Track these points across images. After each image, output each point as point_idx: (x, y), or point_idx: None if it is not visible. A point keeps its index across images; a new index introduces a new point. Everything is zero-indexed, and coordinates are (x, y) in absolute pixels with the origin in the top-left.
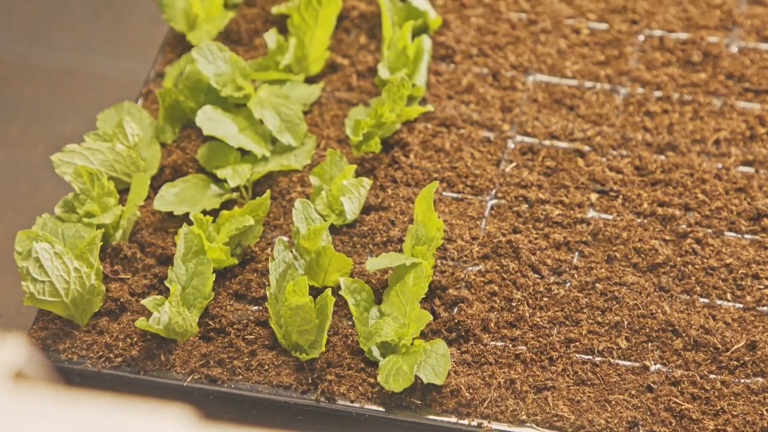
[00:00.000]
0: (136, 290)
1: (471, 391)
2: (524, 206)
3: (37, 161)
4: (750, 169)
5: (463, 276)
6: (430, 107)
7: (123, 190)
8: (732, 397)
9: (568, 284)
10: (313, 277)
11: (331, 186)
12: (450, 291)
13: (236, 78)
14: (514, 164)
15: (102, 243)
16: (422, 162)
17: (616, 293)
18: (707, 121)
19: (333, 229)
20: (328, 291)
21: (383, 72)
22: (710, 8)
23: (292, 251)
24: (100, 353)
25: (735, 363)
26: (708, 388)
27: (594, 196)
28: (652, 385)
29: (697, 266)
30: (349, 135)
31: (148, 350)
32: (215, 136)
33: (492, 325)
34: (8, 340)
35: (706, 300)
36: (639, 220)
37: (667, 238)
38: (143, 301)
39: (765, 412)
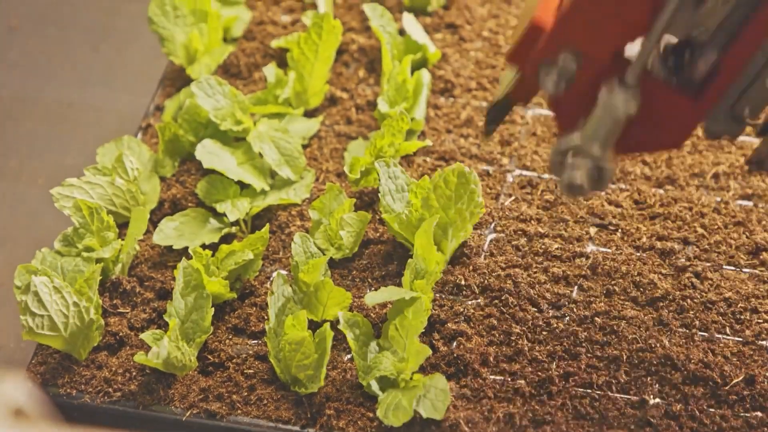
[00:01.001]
0: (135, 324)
1: (470, 425)
2: (523, 240)
3: (36, 195)
4: (749, 203)
5: (462, 310)
6: (428, 141)
7: (122, 224)
8: None
9: (567, 318)
10: (312, 311)
11: (330, 220)
12: (449, 325)
13: (235, 112)
14: (513, 198)
15: (101, 277)
16: None
17: (615, 327)
18: (706, 155)
19: (332, 263)
20: (327, 325)
21: (383, 106)
22: None
23: (291, 285)
24: (99, 388)
25: (734, 397)
26: (707, 422)
27: (593, 230)
28: (651, 419)
29: (696, 300)
30: (347, 172)
31: (147, 385)
32: (215, 169)
33: (491, 359)
34: (7, 374)
35: (705, 334)
36: (638, 254)
37: (666, 272)
38: (142, 336)
39: None
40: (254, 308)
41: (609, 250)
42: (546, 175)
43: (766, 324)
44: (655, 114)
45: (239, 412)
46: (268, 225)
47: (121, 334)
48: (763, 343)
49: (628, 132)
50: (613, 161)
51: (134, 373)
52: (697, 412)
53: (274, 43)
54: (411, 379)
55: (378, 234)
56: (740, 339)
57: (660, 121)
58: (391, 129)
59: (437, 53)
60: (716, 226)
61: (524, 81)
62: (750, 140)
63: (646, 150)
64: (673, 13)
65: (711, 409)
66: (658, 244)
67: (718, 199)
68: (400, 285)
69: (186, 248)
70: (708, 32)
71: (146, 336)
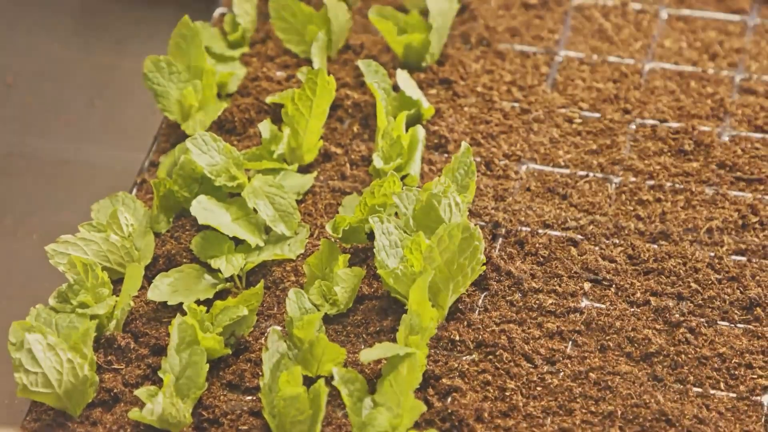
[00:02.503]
0: (130, 381)
1: None
2: (517, 295)
3: (31, 251)
4: (742, 258)
5: (456, 365)
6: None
7: (117, 280)
8: None
9: (562, 373)
10: (306, 366)
11: (324, 275)
12: (444, 380)
13: (230, 168)
14: (507, 253)
15: (96, 333)
16: None
17: (609, 382)
18: (700, 210)
19: (326, 319)
20: (322, 381)
21: (377, 161)
22: (702, 97)
23: (285, 341)
24: None
25: None
26: None
27: (587, 285)
28: None
29: (690, 356)
30: (329, 231)
31: None
32: (209, 225)
33: (485, 415)
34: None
35: (700, 389)
36: (632, 310)
37: (660, 327)
38: (137, 392)
39: None
40: (249, 364)
41: (603, 306)
42: (541, 230)
43: (760, 379)
44: None
45: None
46: (262, 281)
47: (115, 390)
48: (758, 398)
49: None
50: None
51: (129, 430)
52: None
53: (269, 99)
54: None
55: (373, 289)
56: (735, 395)
57: None
58: (383, 190)
59: (431, 109)
60: (710, 282)
61: None
62: (743, 195)
63: None
64: None
65: None
66: (653, 300)
67: (712, 254)
68: (394, 341)
69: (181, 304)
70: None
71: (141, 392)
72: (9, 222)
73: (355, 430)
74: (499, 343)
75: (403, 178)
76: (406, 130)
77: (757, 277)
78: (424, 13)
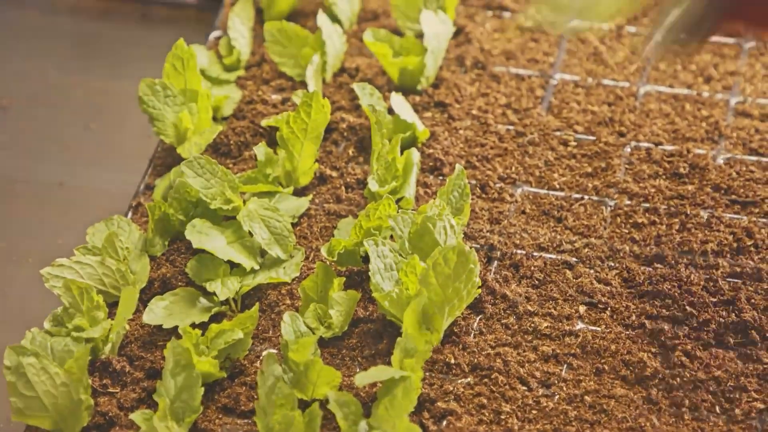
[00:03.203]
0: (125, 404)
1: None
2: (513, 318)
3: (26, 275)
4: (737, 281)
5: (452, 389)
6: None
7: (112, 304)
8: None
9: (557, 397)
10: (301, 390)
11: (319, 299)
12: (439, 404)
13: (225, 191)
14: (502, 276)
15: (91, 357)
16: None
17: (604, 406)
18: (695, 233)
19: (322, 342)
20: (317, 405)
21: (372, 185)
22: (697, 120)
23: (281, 364)
24: None
25: None
26: None
27: (582, 309)
28: None
29: (685, 379)
30: (325, 254)
31: None
32: (204, 249)
33: None
34: None
35: (695, 413)
36: (627, 333)
37: (656, 350)
38: (132, 416)
39: None
40: (244, 387)
41: (598, 329)
42: (536, 253)
43: (755, 403)
44: None
45: None
46: (257, 304)
47: (110, 414)
48: (753, 422)
49: None
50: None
51: None
52: None
53: (264, 122)
54: None
55: (368, 313)
56: (730, 418)
57: None
58: (378, 213)
59: (426, 132)
60: (705, 305)
61: None
62: (738, 218)
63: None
64: None
65: None
66: (648, 323)
67: (707, 277)
68: (390, 364)
69: (176, 327)
70: None
71: (136, 416)
72: (4, 245)
73: None
74: (495, 366)
75: (398, 200)
76: (401, 153)
77: (752, 300)
78: (419, 36)
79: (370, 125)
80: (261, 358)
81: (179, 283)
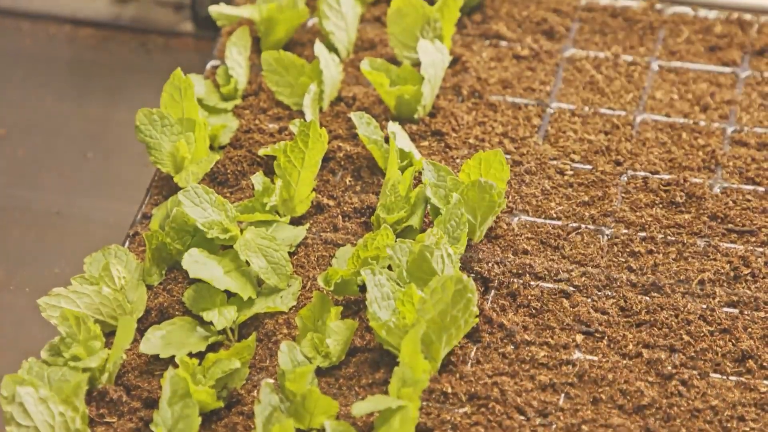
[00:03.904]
0: None
1: None
2: (510, 348)
3: (23, 304)
4: (734, 310)
5: (449, 418)
6: None
7: (109, 333)
8: None
9: (554, 426)
10: (299, 419)
11: (316, 328)
12: None
13: (222, 220)
14: (499, 304)
15: (88, 386)
16: None
17: None
18: (691, 261)
19: (319, 372)
20: None
21: (382, 211)
22: (693, 149)
23: (278, 394)
24: None
25: None
26: None
27: (579, 338)
28: None
29: (682, 408)
30: (321, 284)
31: None
32: (201, 278)
33: None
34: None
35: None
36: (624, 362)
37: (653, 379)
38: None
39: None
40: (241, 417)
41: (595, 358)
42: (533, 282)
43: None
44: None
45: None
46: (254, 333)
47: None
48: None
49: None
50: None
51: None
52: None
53: (261, 151)
54: None
55: (365, 342)
56: None
57: None
58: (376, 243)
59: (421, 162)
60: (702, 334)
61: None
62: (734, 247)
63: None
64: None
65: None
66: (645, 352)
67: (704, 306)
68: (387, 393)
69: (173, 357)
70: None
71: None
72: (1, 274)
73: None
74: (492, 396)
75: (405, 229)
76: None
77: (749, 329)
78: (416, 65)
79: (368, 154)
80: (258, 387)
81: (176, 313)
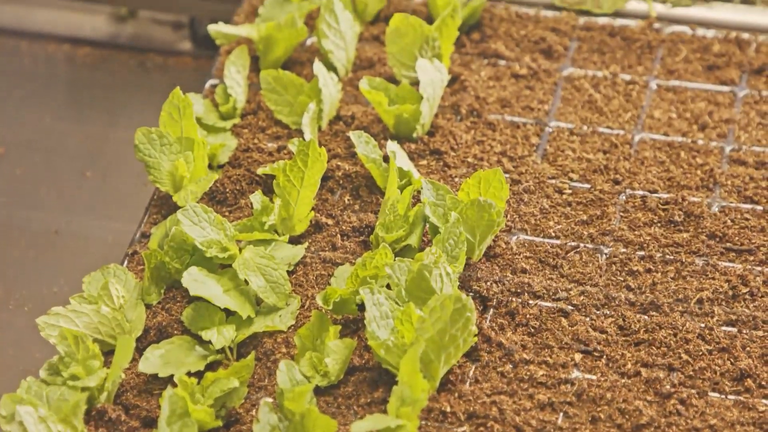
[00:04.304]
0: None
1: None
2: (508, 366)
3: (22, 324)
4: (733, 329)
5: None
6: None
7: (108, 352)
8: None
9: None
10: None
11: (315, 347)
12: None
13: (221, 239)
14: (497, 323)
15: (87, 406)
16: None
17: None
18: (690, 280)
19: (317, 391)
20: None
21: (381, 230)
22: (692, 168)
23: (276, 413)
24: None
25: None
26: None
27: (578, 357)
28: None
29: (681, 427)
30: (320, 302)
31: None
32: (201, 296)
33: None
34: None
35: None
36: (623, 381)
37: (651, 398)
38: None
39: None
40: None
41: (594, 377)
42: (532, 301)
43: None
44: None
45: None
46: (253, 353)
47: None
48: None
49: None
50: None
51: None
52: None
53: (260, 170)
54: None
55: (364, 361)
56: None
57: None
58: (374, 262)
59: (419, 181)
60: (701, 353)
61: None
62: (733, 266)
63: None
64: None
65: None
66: (643, 371)
67: (703, 325)
68: (386, 412)
69: (172, 376)
70: None
71: None
72: (0, 293)
73: None
74: (491, 415)
75: (403, 248)
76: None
77: (748, 348)
78: (415, 83)
79: (366, 173)
80: (257, 406)
81: (175, 332)
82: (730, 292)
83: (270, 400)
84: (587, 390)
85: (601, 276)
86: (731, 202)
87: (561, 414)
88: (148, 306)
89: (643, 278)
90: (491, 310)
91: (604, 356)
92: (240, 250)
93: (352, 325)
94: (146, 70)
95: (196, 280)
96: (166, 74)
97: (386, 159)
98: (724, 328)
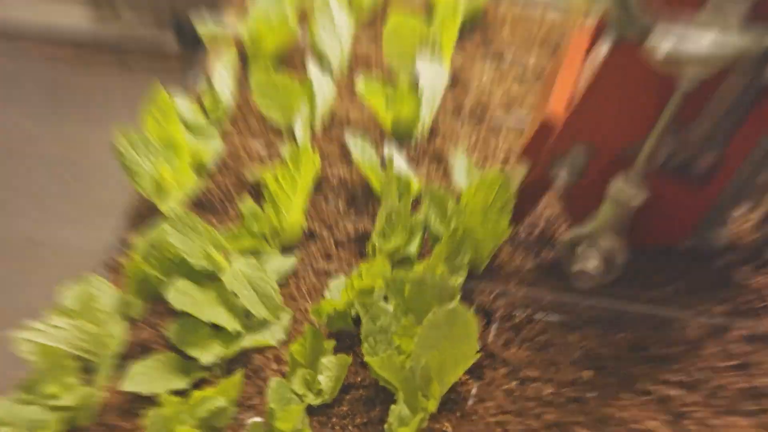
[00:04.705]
0: None
1: None
2: (514, 384)
3: None
4: (749, 346)
5: None
6: None
7: (88, 369)
8: None
9: None
10: None
11: (308, 363)
12: None
13: (208, 249)
14: (503, 339)
15: (66, 426)
16: None
17: None
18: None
19: (310, 410)
20: None
21: (378, 239)
22: None
23: None
24: None
25: None
26: None
27: (588, 374)
28: None
29: None
30: (312, 316)
31: None
32: (186, 311)
33: None
34: None
35: None
36: (635, 399)
37: (665, 417)
38: None
39: None
40: None
41: (605, 395)
42: (537, 316)
43: None
44: (663, 205)
45: None
46: (242, 370)
47: None
48: None
49: (637, 223)
50: (623, 251)
51: None
52: None
53: (250, 176)
54: None
55: (359, 378)
56: None
57: (667, 212)
58: (370, 272)
59: (419, 187)
60: (716, 370)
61: (536, 176)
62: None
63: (656, 241)
64: (669, 121)
65: None
66: (656, 389)
67: (718, 341)
68: None
69: (156, 394)
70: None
71: None
72: None
73: None
74: None
75: (402, 259)
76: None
77: (764, 366)
78: (413, 81)
79: (362, 179)
80: (245, 427)
81: (159, 347)
82: (746, 308)
83: (260, 419)
84: (598, 409)
85: (612, 289)
86: None
87: None
88: (130, 319)
89: (657, 292)
90: (495, 324)
91: (616, 373)
92: (228, 260)
93: (347, 339)
94: (128, 71)
95: (181, 294)
96: (149, 75)
97: (384, 162)
98: (740, 344)
